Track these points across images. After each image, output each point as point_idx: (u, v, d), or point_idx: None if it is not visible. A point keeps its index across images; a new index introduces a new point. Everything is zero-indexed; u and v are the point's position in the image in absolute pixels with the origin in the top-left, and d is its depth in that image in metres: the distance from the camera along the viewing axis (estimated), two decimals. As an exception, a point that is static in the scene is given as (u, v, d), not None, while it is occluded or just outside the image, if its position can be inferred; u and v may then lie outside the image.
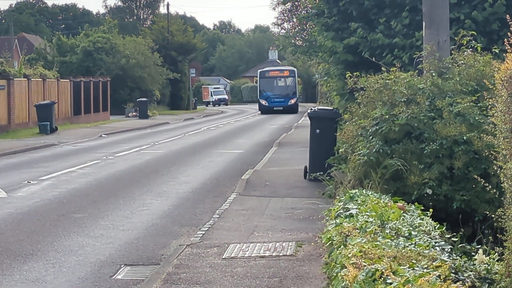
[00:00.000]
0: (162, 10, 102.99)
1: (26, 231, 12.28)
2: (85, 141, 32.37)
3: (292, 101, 66.76)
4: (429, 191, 10.73)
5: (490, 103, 7.98)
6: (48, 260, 10.33)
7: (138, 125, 44.84)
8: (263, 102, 66.55)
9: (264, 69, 73.76)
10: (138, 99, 56.01)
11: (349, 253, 6.14)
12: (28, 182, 18.30)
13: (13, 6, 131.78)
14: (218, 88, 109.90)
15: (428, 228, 7.60)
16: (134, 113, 55.81)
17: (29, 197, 15.92)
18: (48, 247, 11.04)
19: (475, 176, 9.44)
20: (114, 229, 12.40)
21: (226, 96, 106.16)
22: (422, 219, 8.00)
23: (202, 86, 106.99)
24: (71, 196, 16.19)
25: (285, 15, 41.96)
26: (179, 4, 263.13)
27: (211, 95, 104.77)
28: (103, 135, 36.14)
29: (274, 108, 64.78)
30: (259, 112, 66.27)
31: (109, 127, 42.38)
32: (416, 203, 9.19)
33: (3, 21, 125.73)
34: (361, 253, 6.05)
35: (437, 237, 7.38)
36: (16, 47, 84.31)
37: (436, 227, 7.77)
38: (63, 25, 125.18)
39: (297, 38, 39.57)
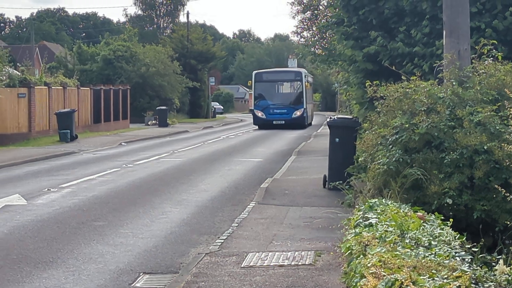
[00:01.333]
0: (182, 18, 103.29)
1: (46, 238, 12.31)
2: (105, 149, 32.46)
3: (298, 113, 51.88)
4: (449, 201, 10.68)
5: (511, 112, 7.93)
6: (68, 268, 10.34)
7: (158, 133, 44.92)
8: (259, 113, 52.46)
9: (262, 70, 60.11)
10: (158, 107, 56.13)
11: (369, 263, 6.11)
12: (48, 189, 18.37)
13: (35, 14, 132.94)
14: None
15: (448, 238, 7.56)
16: (153, 121, 55.92)
17: (49, 205, 15.97)
18: (67, 255, 11.06)
19: (496, 186, 9.39)
20: (133, 237, 12.42)
21: None
22: (442, 229, 7.96)
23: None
24: (91, 204, 16.23)
25: (304, 23, 41.99)
26: (199, 13, 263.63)
27: None
28: (123, 143, 36.22)
29: (274, 122, 51.41)
30: (256, 127, 53.02)
31: (128, 135, 42.47)
32: (436, 213, 9.15)
33: (25, 29, 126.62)
34: (381, 263, 6.02)
35: (457, 247, 7.34)
36: (37, 55, 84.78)
37: (456, 237, 7.73)
38: (84, 34, 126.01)
39: (316, 47, 39.59)
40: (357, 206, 10.35)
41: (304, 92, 53.24)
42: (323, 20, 35.02)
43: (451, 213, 10.35)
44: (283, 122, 51.48)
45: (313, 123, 60.04)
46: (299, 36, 43.84)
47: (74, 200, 16.67)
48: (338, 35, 20.50)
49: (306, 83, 54.06)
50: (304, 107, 52.78)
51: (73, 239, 12.19)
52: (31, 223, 13.75)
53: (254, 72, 56.20)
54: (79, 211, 15.16)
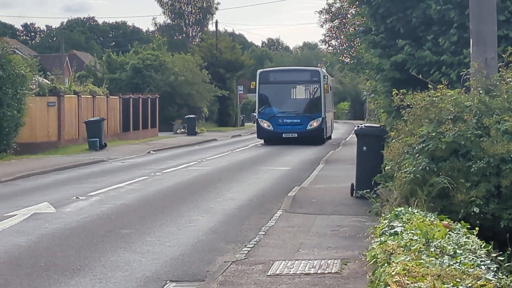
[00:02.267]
0: (211, 27, 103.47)
1: (74, 246, 12.41)
2: (134, 157, 32.63)
3: (314, 123, 41.64)
4: (476, 210, 10.62)
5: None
6: (95, 275, 10.42)
7: (186, 141, 45.07)
8: (265, 124, 42.26)
9: (268, 68, 51.72)
10: (186, 116, 56.31)
11: (393, 271, 6.11)
12: (76, 197, 18.51)
13: (65, 24, 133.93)
14: None
15: (474, 246, 7.52)
16: (182, 130, 56.10)
17: (77, 213, 16.09)
18: (95, 263, 11.15)
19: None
20: (160, 245, 12.48)
21: None
22: (468, 237, 7.92)
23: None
24: (119, 212, 16.33)
25: (332, 32, 42.04)
26: (228, 21, 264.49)
27: None
28: (152, 152, 36.39)
29: (284, 135, 41.50)
30: (261, 141, 43.55)
31: (157, 143, 42.66)
32: (462, 222, 9.11)
33: (55, 38, 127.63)
34: (405, 271, 6.02)
35: (483, 256, 7.29)
36: (67, 64, 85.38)
37: (482, 246, 7.69)
38: (113, 43, 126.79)
39: (344, 55, 39.64)
40: (383, 215, 10.34)
41: (323, 97, 42.42)
42: (351, 29, 35.05)
43: (478, 222, 10.28)
44: (295, 135, 41.33)
45: (334, 135, 51.33)
46: (327, 44, 43.97)
47: (102, 208, 16.78)
48: (366, 44, 20.49)
49: (325, 86, 42.51)
50: (323, 116, 42.02)
51: (101, 247, 12.28)
52: (59, 231, 13.86)
53: (259, 71, 44.86)
54: (107, 219, 15.26)
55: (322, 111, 42.06)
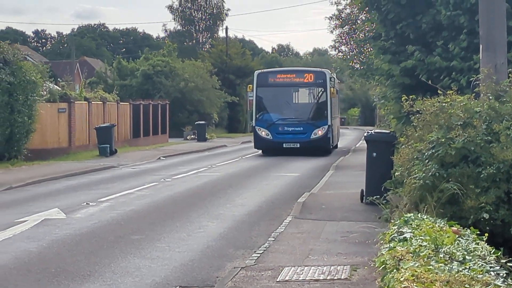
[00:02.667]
0: (221, 34, 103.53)
1: (84, 252, 12.44)
2: (144, 164, 32.68)
3: (319, 132, 37.34)
4: (486, 216, 10.61)
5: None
6: (105, 281, 10.44)
7: (196, 147, 45.11)
8: (263, 132, 37.86)
9: (267, 69, 44.57)
10: (196, 122, 56.37)
11: (402, 277, 6.11)
12: (87, 203, 18.55)
13: (75, 30, 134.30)
14: None
15: (483, 252, 7.51)
16: (192, 136, 56.16)
17: (87, 219, 16.13)
18: (105, 268, 11.17)
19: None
20: (170, 251, 12.49)
21: None
22: (477, 243, 7.92)
23: None
24: (129, 218, 16.36)
25: (342, 38, 42.02)
26: (238, 28, 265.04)
27: None
28: (162, 158, 36.45)
29: (284, 145, 37.23)
30: (258, 151, 39.19)
31: (167, 149, 42.71)
32: (472, 228, 9.10)
33: (66, 45, 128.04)
34: (414, 277, 6.02)
35: (493, 262, 7.29)
36: (77, 70, 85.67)
37: (492, 252, 7.68)
38: (124, 49, 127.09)
39: (355, 61, 39.65)
40: (392, 221, 10.33)
41: (329, 102, 37.88)
42: (360, 35, 35.06)
43: (487, 228, 10.28)
44: (298, 145, 36.96)
45: (342, 142, 48.94)
46: (337, 50, 43.93)
47: (112, 214, 16.82)
48: (376, 50, 20.50)
49: (332, 89, 37.92)
50: (329, 123, 37.58)
51: (111, 253, 12.30)
52: (69, 236, 13.89)
53: (256, 72, 40.14)
54: (117, 225, 15.29)
55: (328, 117, 37.53)
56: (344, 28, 40.36)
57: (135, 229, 14.66)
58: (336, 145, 43.61)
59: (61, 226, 15.10)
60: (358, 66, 39.22)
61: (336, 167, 29.21)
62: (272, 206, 18.15)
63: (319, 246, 12.56)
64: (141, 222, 15.74)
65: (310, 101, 38.98)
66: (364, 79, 40.67)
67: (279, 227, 14.60)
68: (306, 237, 13.45)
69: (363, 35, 33.06)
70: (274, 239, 13.33)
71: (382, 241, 8.90)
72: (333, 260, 11.37)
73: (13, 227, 14.92)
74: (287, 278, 10.14)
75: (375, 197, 15.34)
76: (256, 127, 38.15)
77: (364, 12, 23.37)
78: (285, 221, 15.43)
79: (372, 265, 9.71)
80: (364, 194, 17.54)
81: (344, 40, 42.97)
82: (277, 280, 10.07)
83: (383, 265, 7.39)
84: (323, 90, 37.91)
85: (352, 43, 39.67)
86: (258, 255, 11.85)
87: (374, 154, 17.19)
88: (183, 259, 11.82)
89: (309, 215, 16.14)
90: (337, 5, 40.66)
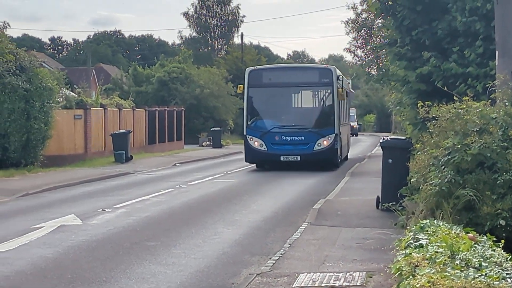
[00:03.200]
0: (236, 40, 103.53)
1: (100, 258, 12.46)
2: (159, 170, 32.74)
3: (325, 142, 31.52)
4: (502, 222, 10.57)
5: None
6: (121, 287, 10.46)
7: (212, 154, 45.15)
8: (255, 143, 31.88)
9: (261, 67, 36.56)
10: (212, 129, 56.41)
11: (417, 284, 6.10)
12: (103, 210, 18.59)
13: (91, 37, 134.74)
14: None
15: (500, 259, 7.49)
16: (207, 142, 56.20)
17: (103, 225, 16.17)
18: (121, 274, 11.19)
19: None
20: (185, 257, 12.50)
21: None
22: (493, 250, 7.89)
23: None
24: (145, 224, 16.39)
25: (358, 42, 41.89)
26: (254, 34, 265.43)
27: None
28: (177, 164, 36.49)
29: (282, 158, 31.40)
30: (251, 165, 33.60)
31: (183, 156, 42.76)
32: (488, 234, 9.07)
33: (82, 52, 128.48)
34: (429, 284, 6.01)
35: (509, 268, 7.26)
36: (93, 77, 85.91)
37: (508, 259, 7.66)
38: (139, 56, 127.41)
39: (371, 67, 39.49)
40: (408, 227, 10.31)
41: (336, 106, 32.01)
42: (376, 41, 35.02)
43: (504, 235, 10.24)
44: (298, 158, 31.14)
45: (355, 150, 45.58)
46: (352, 53, 43.71)
47: (128, 220, 16.85)
48: (391, 56, 20.46)
49: (340, 90, 32.22)
50: (336, 131, 31.64)
51: (126, 259, 12.32)
52: (85, 243, 13.93)
53: (248, 69, 33.74)
54: (132, 231, 15.32)
55: (335, 124, 31.67)
56: (361, 31, 40.23)
57: (151, 235, 14.69)
58: (346, 156, 38.50)
59: (77, 232, 15.15)
60: (374, 72, 39.01)
61: (351, 174, 29.17)
62: (287, 213, 18.14)
63: (334, 253, 12.54)
64: (156, 228, 15.76)
65: (313, 105, 33.17)
66: (380, 85, 40.41)
67: (295, 234, 14.59)
68: (322, 244, 13.44)
69: (379, 41, 33.02)
70: (289, 245, 13.31)
71: (398, 248, 8.89)
72: (349, 266, 11.34)
73: (29, 233, 14.97)
74: (302, 285, 10.12)
75: (391, 203, 15.32)
76: (247, 136, 31.94)
77: (380, 18, 23.34)
78: (300, 227, 15.41)
79: (388, 271, 9.68)
80: (380, 200, 17.50)
81: (359, 44, 42.81)
82: (293, 286, 10.05)
83: (399, 272, 7.38)
84: (329, 91, 32.01)
85: (368, 48, 39.58)
86: (274, 261, 11.84)
87: (390, 160, 17.15)
88: (198, 266, 11.83)
89: (324, 222, 16.11)
90: (353, 10, 40.60)
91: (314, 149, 31.27)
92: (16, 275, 11.20)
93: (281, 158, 31.24)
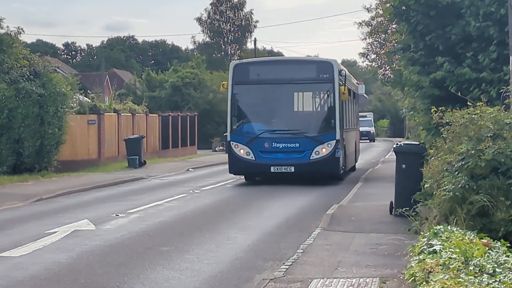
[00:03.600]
0: (250, 45, 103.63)
1: (113, 263, 12.48)
2: (173, 175, 32.79)
3: (323, 150, 27.14)
4: (517, 228, 10.54)
5: None
6: (134, 292, 10.48)
7: (224, 159, 44.77)
8: (241, 150, 27.59)
9: (248, 60, 32.24)
10: (225, 134, 56.35)
11: (431, 290, 6.09)
12: (116, 215, 18.63)
13: (105, 42, 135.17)
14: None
15: (514, 265, 7.47)
16: (220, 147, 56.21)
17: (117, 230, 16.20)
18: (134, 280, 11.19)
19: None
20: (199, 263, 12.50)
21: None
22: (507, 256, 7.87)
23: None
24: (158, 229, 16.41)
25: (373, 46, 41.72)
26: (267, 39, 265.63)
27: None
28: (190, 169, 36.54)
29: (272, 169, 27.08)
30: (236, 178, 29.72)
31: (196, 161, 42.81)
32: (502, 240, 9.04)
33: (95, 57, 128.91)
34: (443, 290, 6.00)
35: (523, 274, 7.24)
36: (107, 82, 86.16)
37: (522, 265, 7.63)
38: (153, 61, 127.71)
39: (386, 69, 39.15)
40: (422, 233, 10.29)
41: (337, 107, 27.29)
42: (389, 45, 34.96)
43: (518, 241, 10.20)
44: (292, 169, 26.78)
45: (367, 156, 43.73)
46: (366, 58, 43.51)
47: (141, 225, 16.87)
48: (405, 61, 20.43)
49: (342, 88, 27.52)
50: (337, 137, 27.03)
51: (140, 264, 12.33)
52: (99, 248, 13.95)
53: (233, 63, 29.23)
54: (146, 237, 15.34)
55: (336, 129, 26.98)
56: (374, 36, 40.03)
57: (164, 241, 14.70)
58: (354, 167, 34.27)
59: (91, 237, 15.18)
60: (389, 73, 38.61)
61: (365, 179, 29.12)
62: (300, 218, 18.12)
63: (348, 258, 12.51)
64: (170, 233, 15.78)
65: (310, 105, 28.91)
66: (395, 88, 39.99)
67: (308, 239, 14.57)
68: (335, 249, 13.41)
69: (392, 46, 32.95)
70: (302, 251, 13.29)
71: (411, 253, 8.87)
72: (362, 272, 11.32)
73: (43, 238, 15.01)
74: (316, 290, 10.11)
75: (404, 209, 15.29)
76: (231, 143, 27.51)
77: (394, 23, 23.30)
78: (313, 232, 15.39)
79: (401, 277, 9.66)
80: (393, 206, 17.46)
81: (374, 49, 42.59)
82: (306, 292, 10.04)
83: (413, 278, 7.37)
84: (329, 88, 27.38)
85: (381, 52, 39.40)
86: (287, 266, 11.83)
87: (404, 166, 17.11)
88: (212, 271, 11.83)
89: (338, 227, 16.09)
90: (368, 11, 40.47)
91: (311, 158, 26.68)
92: (30, 280, 11.23)
93: (272, 169, 26.74)
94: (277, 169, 26.84)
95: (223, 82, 28.52)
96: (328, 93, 27.65)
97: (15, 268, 12.10)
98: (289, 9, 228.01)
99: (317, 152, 26.84)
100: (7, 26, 30.71)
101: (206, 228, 16.44)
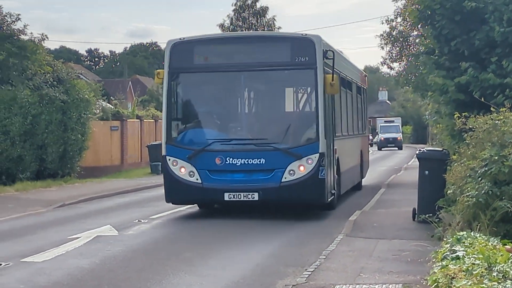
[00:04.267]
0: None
1: (135, 269, 12.50)
2: (195, 181, 32.76)
3: (301, 168, 18.32)
4: (540, 235, 10.46)
5: None
6: (156, 297, 10.48)
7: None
8: (182, 169, 18.67)
9: (192, 37, 19.68)
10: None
11: (454, 296, 6.05)
12: (139, 220, 18.67)
13: (128, 49, 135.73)
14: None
15: (538, 271, 7.40)
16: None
17: (139, 236, 16.23)
18: (156, 285, 11.20)
19: None
20: (221, 269, 12.49)
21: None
22: (532, 262, 7.81)
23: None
24: (181, 235, 16.43)
25: (393, 55, 41.57)
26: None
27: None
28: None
29: (228, 197, 18.54)
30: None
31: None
32: (526, 246, 8.97)
33: (118, 63, 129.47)
34: (467, 296, 5.96)
35: (547, 281, 7.18)
36: (130, 88, 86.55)
37: (546, 271, 7.57)
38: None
39: (409, 75, 38.91)
40: (445, 239, 10.23)
41: (321, 103, 18.58)
42: (412, 50, 34.84)
43: (542, 247, 10.12)
44: (256, 196, 18.63)
45: (382, 171, 38.71)
46: (388, 67, 43.37)
47: (164, 231, 16.91)
48: (429, 65, 20.34)
49: (329, 77, 18.66)
50: (321, 149, 18.44)
51: (162, 270, 12.34)
52: (121, 253, 13.99)
53: (171, 42, 19.39)
54: (168, 242, 15.38)
55: (319, 137, 18.47)
56: (395, 45, 39.92)
57: (187, 247, 14.70)
58: (358, 184, 27.19)
59: (114, 243, 15.22)
60: (412, 78, 38.31)
61: (387, 186, 29.02)
62: (322, 225, 18.06)
63: (370, 265, 12.46)
64: (192, 239, 15.79)
65: (282, 104, 20.55)
66: (419, 94, 39.64)
67: (330, 245, 14.51)
68: (358, 255, 13.36)
69: (415, 51, 32.83)
70: (325, 257, 13.24)
71: (434, 260, 8.82)
72: (385, 278, 11.26)
73: (66, 243, 15.07)
74: (338, 296, 10.08)
75: (427, 215, 15.21)
76: (168, 158, 18.78)
77: (416, 29, 23.24)
78: (336, 239, 15.33)
79: (424, 283, 9.61)
80: (416, 212, 17.38)
81: (395, 58, 42.46)
82: (328, 298, 10.01)
83: (435, 284, 7.32)
84: (309, 77, 18.72)
85: (403, 59, 39.23)
86: (309, 273, 11.78)
87: (427, 172, 17.03)
88: (234, 277, 11.81)
89: (360, 233, 16.03)
90: (387, 23, 40.40)
91: (283, 180, 18.28)
92: (53, 286, 11.27)
93: (226, 197, 18.49)
94: (234, 197, 18.49)
95: (158, 71, 19.43)
96: (308, 84, 19.14)
97: (38, 274, 12.15)
98: (311, 15, 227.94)
99: (291, 172, 18.26)
100: (31, 33, 30.90)
101: (228, 234, 16.41)
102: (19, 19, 30.45)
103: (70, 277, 11.90)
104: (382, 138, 76.64)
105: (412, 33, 36.56)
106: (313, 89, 18.89)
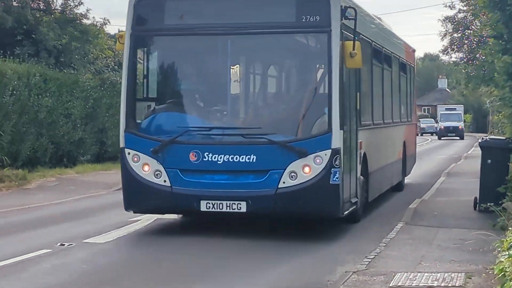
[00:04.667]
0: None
1: (195, 251, 12.55)
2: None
3: (307, 170, 13.02)
4: None
5: None
6: (220, 280, 10.55)
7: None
8: (145, 167, 13.81)
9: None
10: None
11: (523, 285, 5.97)
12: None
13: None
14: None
15: None
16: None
17: (200, 219, 16.26)
18: (218, 271, 11.27)
19: None
20: (282, 254, 12.49)
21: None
22: None
23: None
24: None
25: (454, 44, 41.00)
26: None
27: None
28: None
29: (205, 206, 13.34)
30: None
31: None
32: None
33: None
34: (536, 286, 5.86)
35: None
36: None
37: None
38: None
39: (469, 63, 38.28)
40: (510, 228, 10.09)
41: (336, 82, 13.02)
42: (474, 40, 34.37)
43: None
44: (243, 207, 13.25)
45: (448, 155, 38.03)
46: (448, 55, 42.76)
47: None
48: (497, 48, 19.97)
49: (348, 44, 13.29)
50: (334, 144, 13.01)
51: (222, 255, 12.38)
52: (182, 237, 14.05)
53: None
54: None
55: (333, 127, 13.13)
56: (458, 33, 39.34)
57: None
58: (399, 184, 22.27)
59: (174, 226, 15.33)
60: (470, 71, 37.73)
61: (447, 174, 28.71)
62: (382, 212, 17.96)
63: (431, 253, 12.35)
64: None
65: (281, 81, 16.14)
66: (478, 84, 38.95)
67: (390, 233, 14.38)
68: (418, 244, 13.24)
69: (476, 40, 32.41)
70: (385, 244, 13.15)
71: (499, 249, 8.71)
72: (446, 267, 11.15)
73: (127, 225, 15.25)
74: (399, 284, 10.00)
75: (489, 204, 15.03)
76: (127, 150, 14.33)
77: (480, 16, 22.85)
78: (396, 227, 15.20)
79: (488, 272, 9.50)
80: (477, 201, 17.18)
81: (455, 47, 41.81)
82: (390, 285, 9.93)
83: (502, 273, 7.23)
84: (321, 44, 13.79)
85: (465, 47, 38.64)
86: (369, 260, 11.71)
87: (489, 161, 16.83)
88: (294, 263, 11.81)
89: (420, 222, 15.89)
90: (451, 8, 39.84)
91: (282, 185, 13.23)
92: (114, 266, 11.42)
93: (203, 206, 13.50)
94: (214, 207, 13.47)
95: (120, 33, 15.11)
96: (319, 53, 14.14)
97: (100, 254, 12.32)
98: (370, 2, 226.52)
99: (292, 174, 13.19)
100: (93, 17, 31.18)
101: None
102: (81, 3, 30.78)
103: (131, 258, 12.04)
104: (442, 127, 73.46)
105: (474, 21, 36.02)
106: (325, 61, 13.46)
